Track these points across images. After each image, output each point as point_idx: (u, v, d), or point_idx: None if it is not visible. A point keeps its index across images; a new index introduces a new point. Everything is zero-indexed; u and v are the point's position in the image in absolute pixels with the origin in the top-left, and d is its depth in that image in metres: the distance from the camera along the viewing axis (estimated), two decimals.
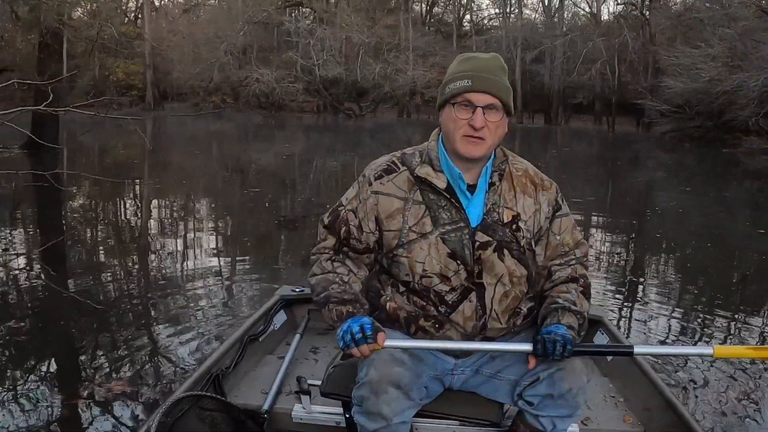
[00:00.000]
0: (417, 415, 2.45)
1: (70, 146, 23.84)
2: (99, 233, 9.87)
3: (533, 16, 54.72)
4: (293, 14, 51.29)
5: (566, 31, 47.28)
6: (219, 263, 7.69)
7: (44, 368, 4.47)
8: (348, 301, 2.42)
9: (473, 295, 2.44)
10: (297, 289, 4.23)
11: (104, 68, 51.53)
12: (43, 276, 6.74)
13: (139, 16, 57.00)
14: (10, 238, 8.79)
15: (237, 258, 8.06)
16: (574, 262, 2.56)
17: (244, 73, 47.96)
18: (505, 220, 2.45)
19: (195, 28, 52.57)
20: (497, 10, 55.53)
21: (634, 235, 10.33)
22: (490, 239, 2.43)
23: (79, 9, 48.03)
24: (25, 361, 4.55)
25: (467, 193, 2.44)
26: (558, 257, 2.54)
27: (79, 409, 3.78)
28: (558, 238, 2.54)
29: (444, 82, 2.44)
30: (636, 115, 41.23)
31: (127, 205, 12.41)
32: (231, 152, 24.31)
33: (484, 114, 2.33)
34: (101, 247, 8.78)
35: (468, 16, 59.26)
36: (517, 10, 52.83)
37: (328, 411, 2.98)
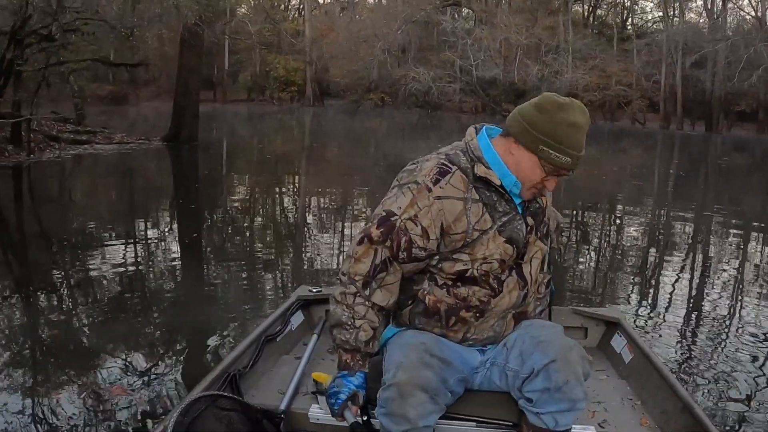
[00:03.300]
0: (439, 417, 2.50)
1: (229, 139, 25.79)
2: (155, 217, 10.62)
3: (698, 20, 53.08)
4: (453, 14, 51.26)
5: (728, 35, 45.61)
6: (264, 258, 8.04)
7: (59, 366, 4.60)
8: (349, 351, 2.51)
9: (518, 270, 2.59)
10: (315, 290, 4.20)
11: (265, 64, 53.49)
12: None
13: (301, 13, 58.77)
14: None
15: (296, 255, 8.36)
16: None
17: (402, 71, 48.21)
18: (543, 205, 2.69)
19: (354, 26, 53.55)
20: (660, 14, 54.30)
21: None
22: (534, 223, 2.62)
23: (243, 6, 50.28)
24: (41, 359, 4.74)
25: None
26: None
27: (96, 408, 3.89)
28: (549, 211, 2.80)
29: (551, 135, 2.39)
30: None
31: (208, 196, 13.02)
32: (372, 149, 24.87)
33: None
34: (154, 233, 9.37)
35: (630, 19, 58.22)
36: (679, 13, 51.44)
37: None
